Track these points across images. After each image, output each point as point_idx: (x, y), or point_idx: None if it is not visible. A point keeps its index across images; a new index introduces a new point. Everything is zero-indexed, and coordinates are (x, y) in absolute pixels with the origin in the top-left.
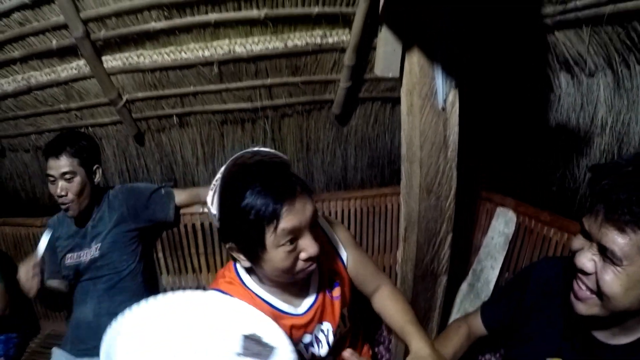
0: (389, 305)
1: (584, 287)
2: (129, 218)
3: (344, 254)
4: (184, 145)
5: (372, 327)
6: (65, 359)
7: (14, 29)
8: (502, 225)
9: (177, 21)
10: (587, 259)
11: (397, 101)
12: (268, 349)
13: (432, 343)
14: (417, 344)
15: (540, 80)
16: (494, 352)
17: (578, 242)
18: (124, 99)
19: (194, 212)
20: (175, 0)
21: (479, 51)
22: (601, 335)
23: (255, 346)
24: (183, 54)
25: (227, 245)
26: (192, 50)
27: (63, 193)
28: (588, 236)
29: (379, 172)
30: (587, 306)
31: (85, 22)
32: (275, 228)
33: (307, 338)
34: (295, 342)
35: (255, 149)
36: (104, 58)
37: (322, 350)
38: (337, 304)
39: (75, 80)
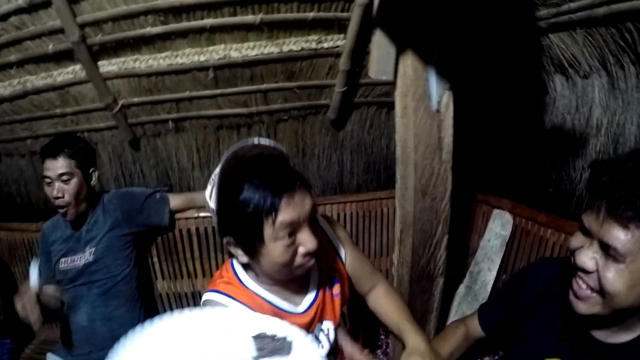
0: (385, 303)
1: (584, 286)
2: (123, 222)
3: (342, 252)
4: (180, 151)
5: (370, 331)
6: None
7: (11, 32)
8: (498, 227)
9: (173, 26)
10: (588, 257)
11: (392, 106)
12: (283, 342)
13: (428, 339)
14: (414, 339)
15: (535, 83)
16: (493, 355)
17: (577, 240)
18: (120, 103)
19: (189, 216)
20: (171, 5)
21: (474, 54)
22: (600, 334)
23: (269, 343)
24: (179, 59)
25: (225, 240)
26: (188, 55)
27: (59, 195)
28: (588, 233)
29: (375, 176)
30: (588, 305)
31: (81, 26)
32: (274, 221)
33: None
34: None
35: (255, 140)
36: (99, 63)
37: (323, 350)
38: (337, 301)
39: (71, 84)
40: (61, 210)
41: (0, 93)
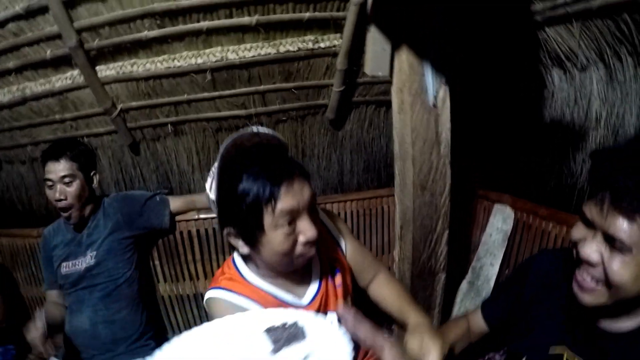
0: (386, 290)
1: (589, 278)
2: (124, 225)
3: (342, 243)
4: (179, 154)
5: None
6: None
7: (9, 39)
8: (500, 222)
9: (170, 29)
10: (593, 250)
11: (391, 104)
12: (296, 328)
13: (430, 319)
14: (416, 318)
15: (533, 77)
16: (498, 350)
17: (579, 231)
18: (118, 108)
19: (190, 218)
20: (167, 8)
21: (472, 49)
22: (605, 324)
23: (282, 333)
24: (176, 62)
25: (226, 231)
26: (185, 58)
27: (62, 197)
28: (590, 224)
29: (376, 175)
30: (593, 297)
31: (78, 31)
32: (273, 209)
33: None
34: None
35: (255, 129)
36: (97, 67)
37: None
38: (340, 292)
39: (69, 90)
40: (64, 214)
41: None
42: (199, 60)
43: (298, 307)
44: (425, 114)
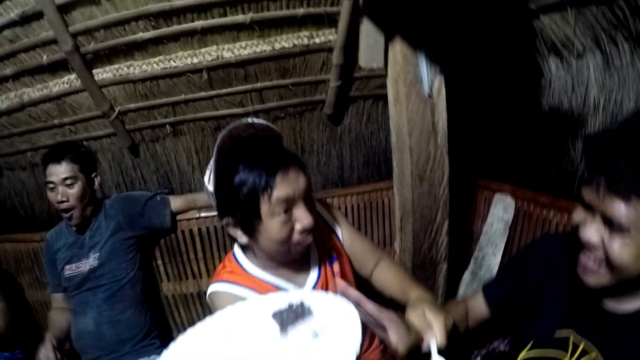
0: (388, 275)
1: (591, 260)
2: (125, 226)
3: (338, 231)
4: (179, 154)
5: None
6: None
7: (5, 46)
8: (500, 212)
9: (165, 30)
10: (593, 232)
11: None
12: (301, 307)
13: (433, 294)
14: (417, 293)
15: (530, 66)
16: (502, 339)
17: (579, 214)
18: (117, 110)
19: (191, 217)
20: (161, 9)
21: (467, 39)
22: (610, 305)
23: (289, 314)
24: (172, 62)
25: (224, 221)
26: (181, 58)
27: (64, 199)
28: (589, 208)
29: (376, 169)
30: (596, 278)
31: (74, 35)
32: (270, 197)
33: None
34: None
35: (250, 120)
36: (94, 71)
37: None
38: (339, 279)
39: (67, 94)
40: (66, 215)
41: None
42: (195, 60)
43: None
44: (421, 104)
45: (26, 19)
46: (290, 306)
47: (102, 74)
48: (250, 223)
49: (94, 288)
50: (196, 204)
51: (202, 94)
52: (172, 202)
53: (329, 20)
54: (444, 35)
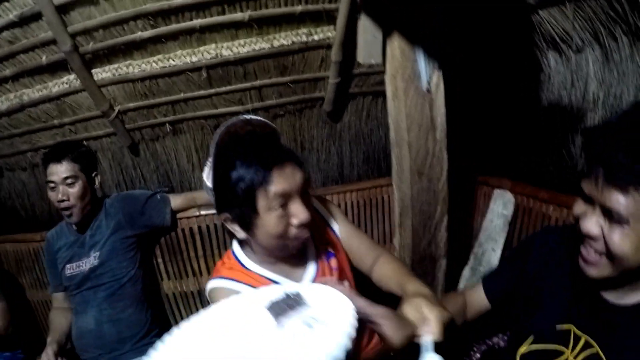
0: (387, 270)
1: (592, 252)
2: (125, 225)
3: (335, 226)
4: (179, 153)
5: None
6: None
7: (4, 47)
8: (500, 207)
9: (163, 29)
10: (593, 224)
11: None
12: (297, 297)
13: (431, 289)
14: (414, 287)
15: (529, 61)
16: (502, 334)
17: (579, 206)
18: (116, 110)
19: (191, 215)
20: (159, 8)
21: (465, 35)
22: (611, 297)
23: (284, 305)
24: (171, 61)
25: (223, 217)
26: (180, 57)
27: (65, 198)
28: (589, 200)
29: (375, 166)
30: (598, 269)
31: (72, 36)
32: (267, 192)
33: None
34: None
35: (247, 117)
36: (93, 70)
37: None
38: (336, 274)
39: (66, 94)
40: (66, 212)
41: None
42: (194, 59)
43: None
44: (419, 100)
45: (25, 20)
46: (284, 297)
47: (102, 73)
48: (248, 218)
49: (94, 287)
50: (196, 202)
51: (202, 92)
52: (172, 201)
53: (328, 17)
54: (442, 30)
